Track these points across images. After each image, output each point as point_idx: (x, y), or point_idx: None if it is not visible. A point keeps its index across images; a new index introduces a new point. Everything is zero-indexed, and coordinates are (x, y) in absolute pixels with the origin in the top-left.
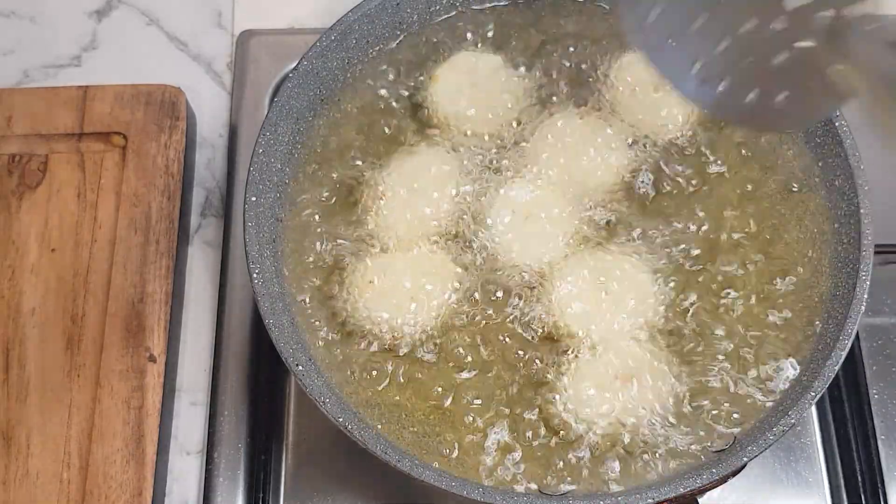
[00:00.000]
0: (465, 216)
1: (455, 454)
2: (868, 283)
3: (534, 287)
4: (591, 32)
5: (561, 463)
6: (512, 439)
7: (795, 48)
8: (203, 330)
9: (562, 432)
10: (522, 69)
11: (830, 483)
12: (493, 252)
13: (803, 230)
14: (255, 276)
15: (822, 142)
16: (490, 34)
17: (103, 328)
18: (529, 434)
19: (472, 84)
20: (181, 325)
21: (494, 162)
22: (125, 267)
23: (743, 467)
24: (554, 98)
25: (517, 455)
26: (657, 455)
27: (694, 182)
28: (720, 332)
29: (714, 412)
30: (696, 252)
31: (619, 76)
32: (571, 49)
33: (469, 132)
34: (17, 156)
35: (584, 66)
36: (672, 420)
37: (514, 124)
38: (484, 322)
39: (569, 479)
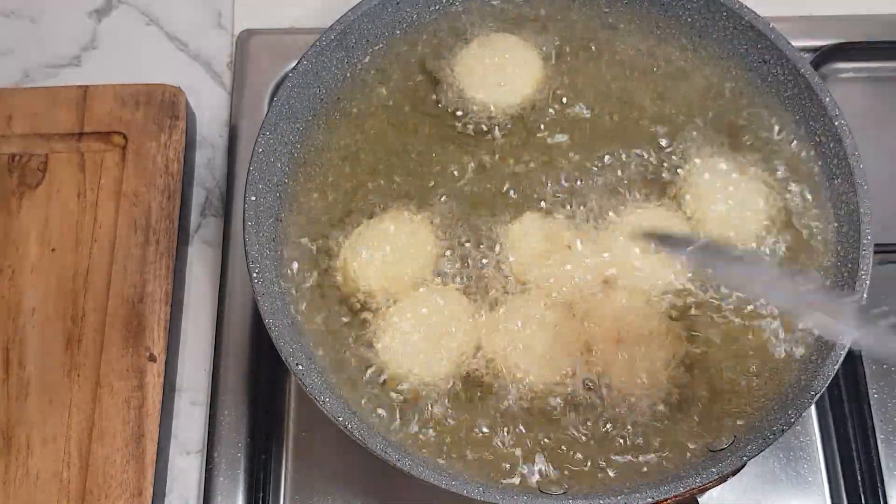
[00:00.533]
0: (451, 202)
1: (455, 450)
2: (868, 282)
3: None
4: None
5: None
6: (513, 433)
7: None
8: (203, 330)
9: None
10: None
11: (830, 483)
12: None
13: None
14: (255, 276)
15: (822, 141)
16: (491, 33)
17: (103, 328)
18: (535, 428)
19: (486, 73)
20: (181, 325)
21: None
22: (125, 267)
23: (743, 466)
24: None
25: (518, 447)
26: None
27: None
28: (719, 330)
29: (711, 405)
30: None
31: None
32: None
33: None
34: (17, 156)
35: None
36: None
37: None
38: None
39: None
